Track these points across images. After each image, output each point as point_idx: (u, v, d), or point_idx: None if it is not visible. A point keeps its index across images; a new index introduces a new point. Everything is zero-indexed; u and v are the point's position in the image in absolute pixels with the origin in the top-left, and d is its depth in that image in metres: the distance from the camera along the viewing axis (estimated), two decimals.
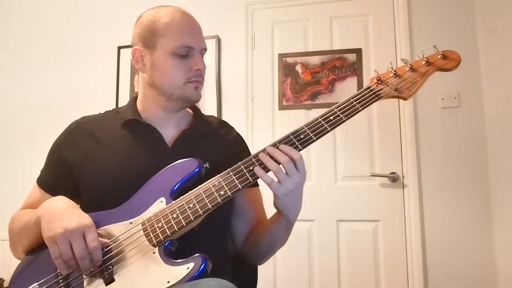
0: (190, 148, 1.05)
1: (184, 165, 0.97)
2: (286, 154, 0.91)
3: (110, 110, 1.18)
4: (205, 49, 1.08)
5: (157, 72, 1.04)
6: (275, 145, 0.94)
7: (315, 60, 2.48)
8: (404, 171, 2.29)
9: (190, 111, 1.17)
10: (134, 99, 1.14)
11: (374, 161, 2.34)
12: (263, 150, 0.94)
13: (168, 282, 0.84)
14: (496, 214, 2.14)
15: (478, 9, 2.30)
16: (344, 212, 2.32)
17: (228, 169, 0.94)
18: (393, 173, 2.29)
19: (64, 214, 0.89)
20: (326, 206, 2.33)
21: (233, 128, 1.21)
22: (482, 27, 2.28)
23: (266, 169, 0.91)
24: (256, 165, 0.92)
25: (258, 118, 2.50)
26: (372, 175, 2.30)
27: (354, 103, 0.98)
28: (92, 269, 0.88)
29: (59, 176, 1.07)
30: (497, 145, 2.15)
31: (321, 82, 2.45)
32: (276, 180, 0.91)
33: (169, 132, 1.08)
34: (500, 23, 2.16)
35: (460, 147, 2.24)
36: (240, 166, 0.93)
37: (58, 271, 0.89)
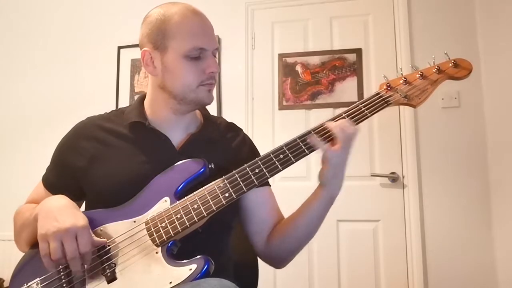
0: (197, 152, 1.02)
1: (189, 165, 0.97)
2: (343, 128, 0.93)
3: (116, 110, 1.15)
4: (217, 49, 1.04)
5: (168, 75, 1.00)
6: (309, 132, 0.95)
7: (315, 60, 2.48)
8: (404, 171, 2.29)
9: (199, 113, 1.15)
10: (141, 99, 1.11)
11: (374, 161, 2.34)
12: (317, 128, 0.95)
13: (170, 283, 0.84)
14: (496, 214, 2.14)
15: (478, 9, 2.30)
16: (344, 212, 2.31)
17: (234, 171, 0.93)
18: (393, 173, 2.29)
19: (59, 214, 0.89)
20: None
21: (241, 130, 1.18)
22: (482, 26, 2.28)
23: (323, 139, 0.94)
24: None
25: (258, 118, 2.50)
26: (372, 175, 2.30)
27: (363, 109, 0.98)
28: (85, 270, 0.87)
29: (62, 178, 1.07)
30: (497, 145, 2.15)
31: (321, 82, 2.45)
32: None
33: (177, 136, 1.06)
34: (500, 23, 2.16)
35: (460, 147, 2.24)
36: (246, 169, 0.93)
37: (60, 267, 0.89)
